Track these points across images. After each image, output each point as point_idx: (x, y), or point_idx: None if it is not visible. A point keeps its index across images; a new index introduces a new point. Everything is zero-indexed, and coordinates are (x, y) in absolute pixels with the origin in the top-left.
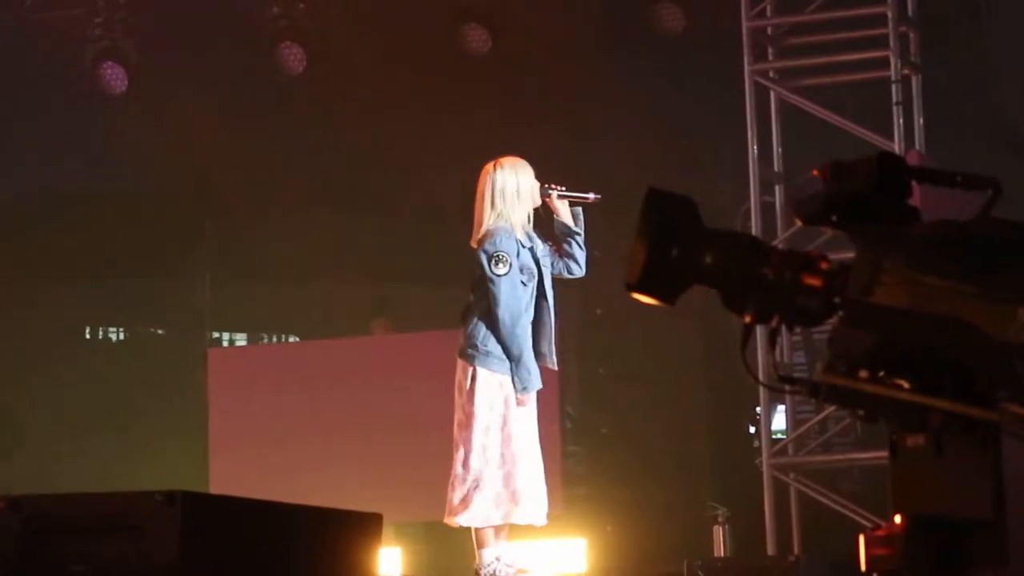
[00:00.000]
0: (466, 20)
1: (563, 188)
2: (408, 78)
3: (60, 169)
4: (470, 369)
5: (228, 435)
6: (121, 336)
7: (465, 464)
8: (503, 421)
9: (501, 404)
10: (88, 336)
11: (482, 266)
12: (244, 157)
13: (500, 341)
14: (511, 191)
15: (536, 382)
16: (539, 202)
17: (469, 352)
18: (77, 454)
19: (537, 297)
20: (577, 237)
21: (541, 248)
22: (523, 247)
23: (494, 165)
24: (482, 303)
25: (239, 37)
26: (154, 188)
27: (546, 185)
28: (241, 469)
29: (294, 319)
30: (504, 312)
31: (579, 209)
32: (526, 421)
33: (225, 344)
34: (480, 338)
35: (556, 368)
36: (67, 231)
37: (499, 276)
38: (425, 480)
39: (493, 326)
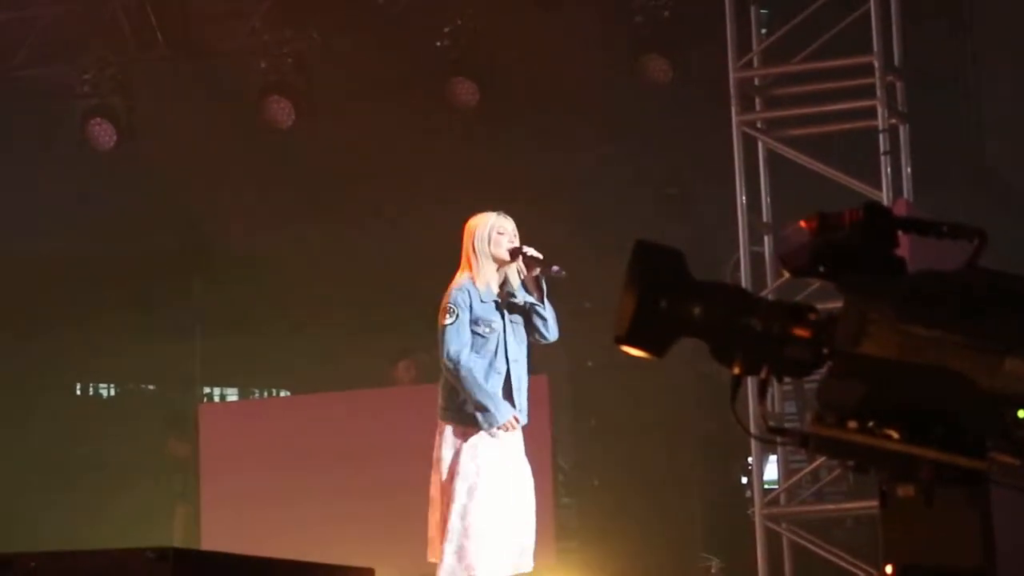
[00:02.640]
0: (455, 73)
1: (527, 249)
2: (397, 131)
3: (50, 225)
4: (439, 426)
5: (219, 490)
6: (112, 392)
7: (449, 519)
8: (474, 473)
9: (472, 455)
10: (79, 392)
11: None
12: (233, 213)
13: (453, 387)
14: (477, 247)
15: (500, 414)
16: (505, 256)
17: (440, 411)
18: (67, 510)
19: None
20: (536, 306)
21: (518, 302)
22: (483, 301)
23: (468, 221)
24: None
25: (227, 91)
26: (144, 244)
27: (519, 248)
28: (232, 525)
29: (285, 373)
30: (446, 358)
31: (542, 278)
32: (502, 470)
33: (216, 399)
34: (442, 394)
35: (524, 423)
36: (56, 287)
37: (443, 325)
38: (416, 534)
39: (446, 377)
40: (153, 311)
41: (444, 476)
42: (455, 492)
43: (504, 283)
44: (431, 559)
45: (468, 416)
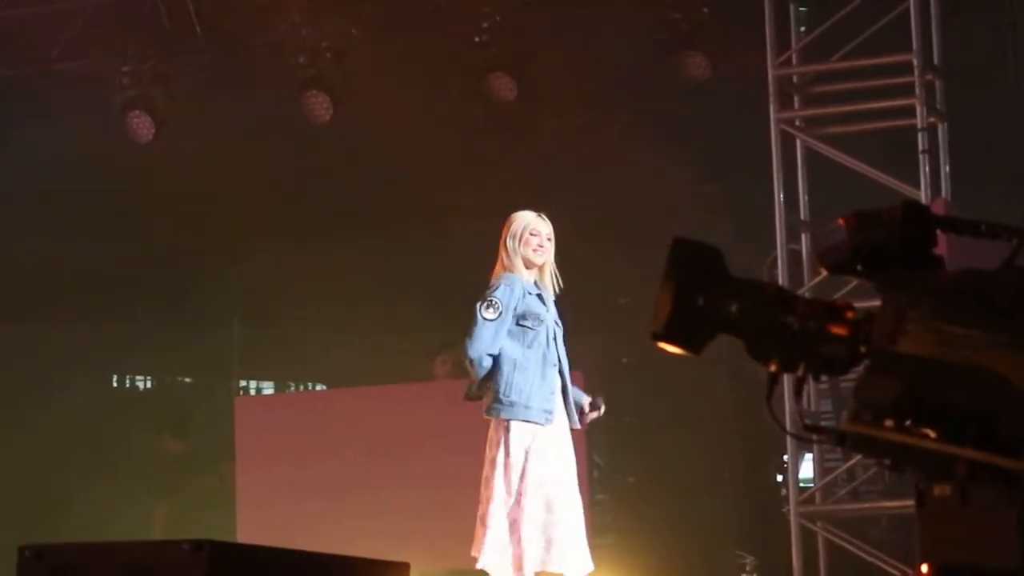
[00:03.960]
0: (493, 69)
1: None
2: (435, 124)
3: (86, 217)
4: (496, 422)
5: (254, 484)
6: (148, 385)
7: (491, 518)
8: (533, 471)
9: (535, 451)
10: (115, 384)
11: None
12: (271, 205)
13: (507, 382)
14: (509, 244)
15: (533, 415)
16: (535, 261)
17: (488, 408)
18: (104, 502)
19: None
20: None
21: (553, 312)
22: (529, 293)
23: (508, 218)
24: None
25: (265, 85)
26: (180, 236)
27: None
28: (268, 517)
29: (321, 367)
30: (472, 355)
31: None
32: (559, 464)
33: (252, 392)
34: (501, 390)
35: (576, 426)
36: (92, 278)
37: (485, 319)
38: (451, 528)
39: (488, 377)
40: (190, 304)
41: (512, 473)
42: (517, 489)
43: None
44: (474, 554)
45: (515, 411)
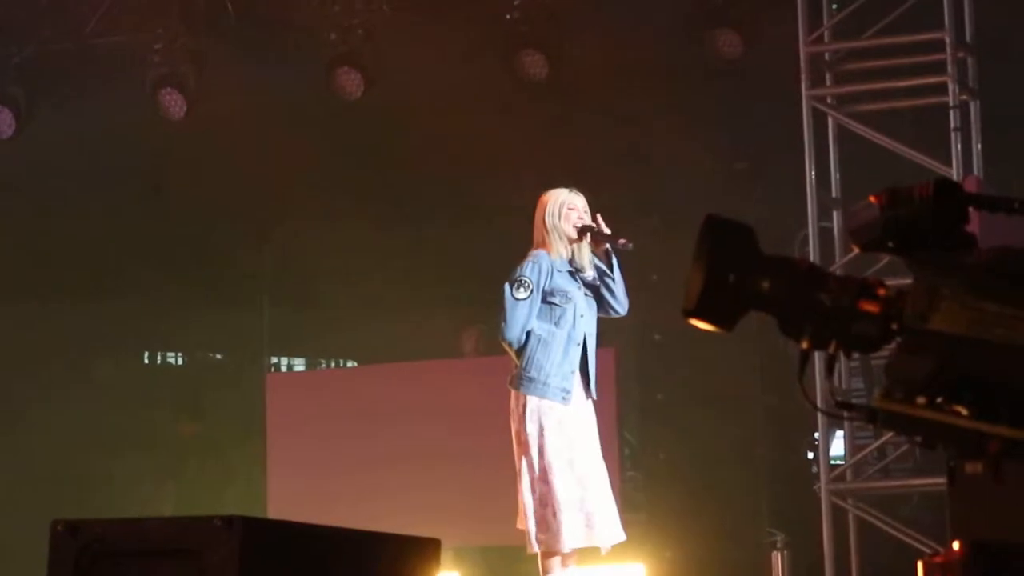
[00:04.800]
0: (523, 46)
1: (595, 225)
2: (466, 102)
3: (119, 195)
4: (515, 395)
5: (285, 460)
6: (180, 361)
7: (527, 490)
8: (559, 447)
9: (555, 429)
10: (147, 361)
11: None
12: (302, 183)
13: (536, 359)
14: (548, 221)
15: (551, 393)
16: (573, 233)
17: (512, 379)
18: (134, 478)
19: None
20: (607, 278)
21: (587, 278)
22: (558, 271)
23: (541, 197)
24: None
25: (296, 62)
26: (212, 213)
27: (588, 225)
28: (298, 494)
29: (352, 344)
30: (507, 337)
31: (612, 252)
32: (587, 439)
33: (283, 369)
34: (522, 365)
35: (595, 398)
36: (125, 254)
37: (516, 299)
38: (483, 506)
39: (519, 349)
40: (222, 281)
41: (531, 449)
42: (548, 465)
43: (573, 259)
44: (520, 527)
45: (538, 387)
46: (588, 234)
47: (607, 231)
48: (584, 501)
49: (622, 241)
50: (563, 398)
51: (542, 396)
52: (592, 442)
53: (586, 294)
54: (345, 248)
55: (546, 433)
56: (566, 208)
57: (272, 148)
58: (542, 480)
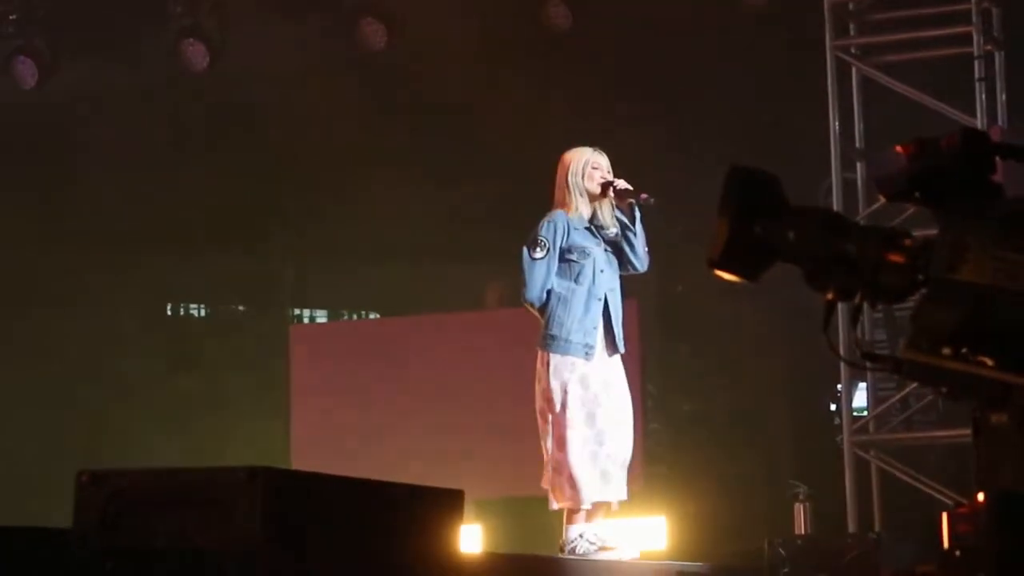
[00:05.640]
0: None
1: (617, 182)
2: (491, 53)
3: (139, 147)
4: (540, 354)
5: (309, 411)
6: (202, 313)
7: (550, 448)
8: (582, 402)
9: (577, 385)
10: (169, 313)
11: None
12: (325, 133)
13: (557, 316)
14: (571, 180)
15: (572, 349)
16: (597, 191)
17: (540, 339)
18: (157, 431)
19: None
20: (628, 232)
21: (610, 235)
22: (576, 228)
23: (563, 155)
24: None
25: (321, 12)
26: (235, 165)
27: (610, 181)
28: (322, 444)
29: (374, 296)
30: (528, 297)
31: (635, 207)
32: (611, 395)
33: (306, 321)
34: (545, 324)
35: (622, 351)
36: (146, 207)
37: (533, 259)
38: (505, 457)
39: (542, 309)
40: (243, 233)
41: (555, 407)
42: (567, 421)
43: (595, 217)
44: (544, 485)
45: (567, 346)
46: (611, 190)
47: (629, 187)
48: (597, 457)
49: (644, 196)
50: (585, 354)
51: (564, 353)
52: (616, 399)
53: (606, 250)
54: (366, 198)
55: (569, 388)
56: (590, 167)
57: (295, 99)
58: (563, 436)
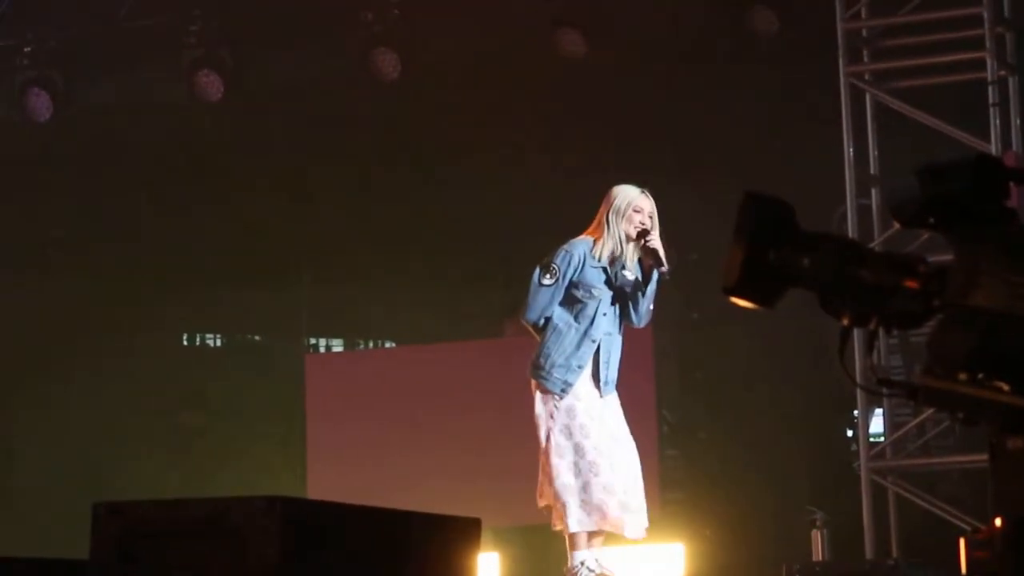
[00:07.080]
0: (561, 24)
1: (651, 238)
2: (503, 81)
3: (157, 175)
4: (532, 384)
5: (324, 440)
6: (218, 343)
7: (548, 477)
8: (569, 432)
9: (563, 414)
10: (185, 343)
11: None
12: (339, 164)
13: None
14: (611, 217)
15: (550, 383)
16: (632, 235)
17: (531, 369)
18: (170, 461)
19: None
20: (639, 290)
21: (628, 281)
22: (592, 266)
23: (612, 188)
24: None
25: (332, 43)
26: (250, 192)
27: (647, 230)
28: (338, 474)
29: (390, 325)
30: (528, 319)
31: (654, 269)
32: (602, 430)
33: (322, 350)
34: (536, 350)
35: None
36: (164, 238)
37: (541, 284)
38: (522, 485)
39: (540, 331)
40: (259, 262)
41: (541, 432)
42: (553, 448)
43: (617, 259)
44: (539, 506)
45: (552, 380)
46: (644, 240)
47: (660, 251)
48: (591, 487)
49: (663, 269)
50: (561, 389)
51: (543, 383)
52: (607, 434)
53: (613, 294)
54: (383, 228)
55: (556, 416)
56: (632, 209)
57: (310, 127)
58: (547, 463)
